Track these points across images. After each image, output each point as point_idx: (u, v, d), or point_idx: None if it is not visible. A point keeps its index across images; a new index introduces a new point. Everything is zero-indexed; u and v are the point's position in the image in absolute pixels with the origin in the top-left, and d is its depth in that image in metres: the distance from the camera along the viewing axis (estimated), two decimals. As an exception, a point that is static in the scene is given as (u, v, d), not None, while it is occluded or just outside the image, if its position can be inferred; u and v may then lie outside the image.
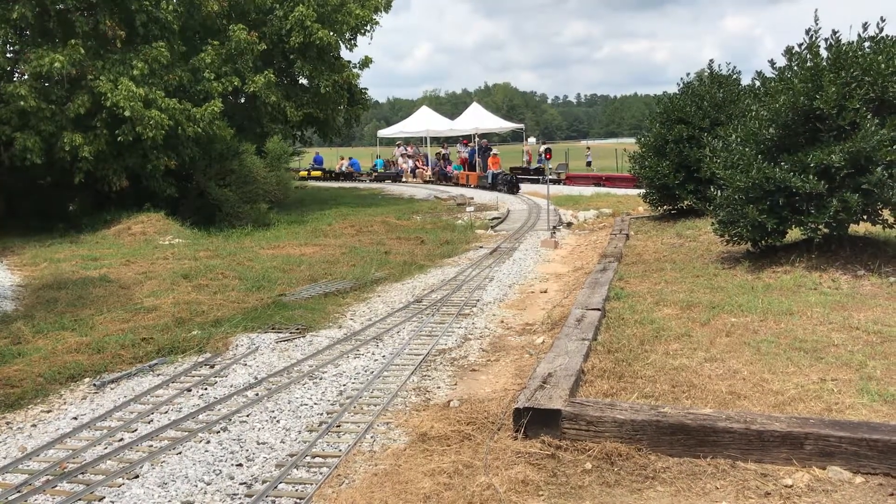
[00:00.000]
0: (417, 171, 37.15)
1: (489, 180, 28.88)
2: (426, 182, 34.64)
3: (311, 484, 4.63)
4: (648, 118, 17.56)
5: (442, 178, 34.21)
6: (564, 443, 4.85)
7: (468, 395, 6.16)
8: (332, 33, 23.70)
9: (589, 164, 38.36)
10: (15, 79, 17.90)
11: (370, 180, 37.16)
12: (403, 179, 36.49)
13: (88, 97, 16.94)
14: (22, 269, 12.80)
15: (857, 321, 7.36)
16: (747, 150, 10.09)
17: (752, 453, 4.55)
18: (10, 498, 4.54)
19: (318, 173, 39.27)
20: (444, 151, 38.30)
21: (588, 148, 41.06)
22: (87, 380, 6.92)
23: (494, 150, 32.81)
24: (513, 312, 9.20)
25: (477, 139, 36.66)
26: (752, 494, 4.25)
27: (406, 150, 39.97)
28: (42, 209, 19.17)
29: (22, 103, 16.07)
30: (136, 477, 4.83)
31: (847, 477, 4.33)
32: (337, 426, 5.60)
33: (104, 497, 4.56)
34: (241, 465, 4.99)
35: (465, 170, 34.97)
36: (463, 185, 31.07)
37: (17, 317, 9.14)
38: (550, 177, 24.24)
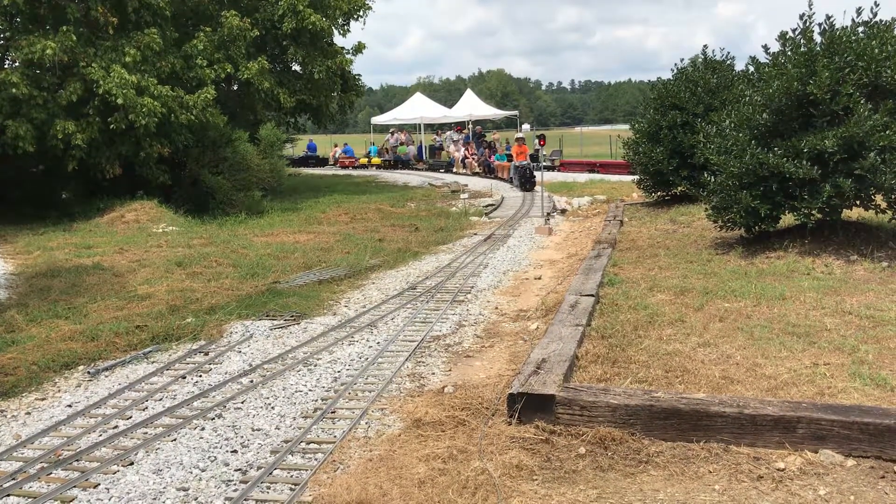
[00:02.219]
0: (467, 160, 31.47)
1: (511, 173, 24.94)
2: (474, 174, 29.81)
3: (306, 470, 4.64)
4: (642, 104, 17.54)
5: (486, 169, 29.17)
6: (558, 428, 4.87)
7: (463, 380, 6.17)
8: (324, 18, 23.54)
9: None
10: (6, 66, 17.78)
11: (425, 169, 34.18)
12: (454, 170, 31.75)
13: (80, 84, 16.84)
14: (15, 258, 12.75)
15: (849, 306, 7.39)
16: (741, 135, 10.09)
17: (745, 437, 4.57)
18: (5, 485, 4.54)
19: (377, 161, 36.54)
20: (493, 138, 33.17)
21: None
22: (81, 367, 6.91)
23: (519, 134, 27.37)
24: (507, 299, 9.22)
25: (471, 126, 36.57)
26: (745, 478, 4.28)
27: (400, 136, 39.84)
28: (34, 197, 19.09)
29: (14, 90, 15.98)
30: (131, 464, 4.84)
31: (839, 460, 4.36)
32: (332, 412, 5.61)
33: (99, 484, 4.57)
34: (235, 451, 5.00)
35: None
36: (500, 179, 26.83)
37: (11, 305, 9.12)
38: (545, 164, 24.17)
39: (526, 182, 23.40)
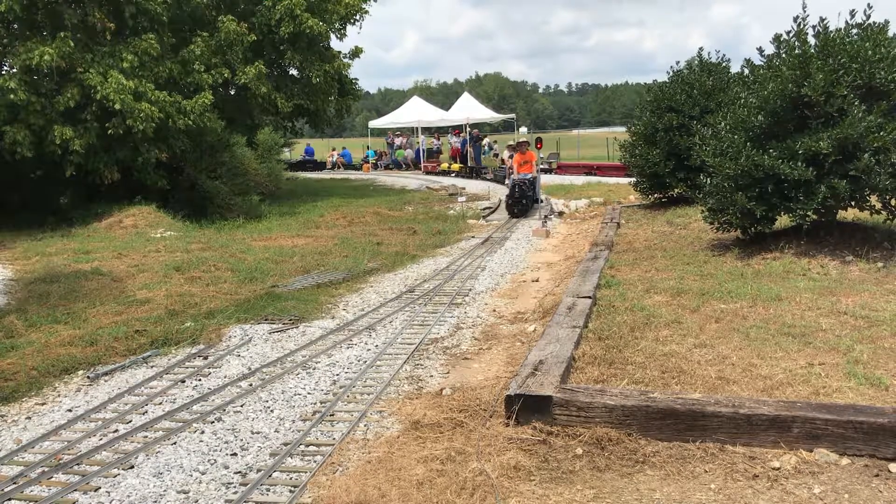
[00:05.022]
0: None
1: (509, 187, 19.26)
2: None
3: (306, 472, 4.68)
4: (639, 107, 17.59)
5: None
6: (555, 429, 4.90)
7: (460, 382, 6.21)
8: (321, 23, 23.58)
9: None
10: (3, 72, 17.82)
11: (492, 179, 30.22)
12: (507, 181, 28.50)
13: (78, 90, 16.87)
14: (13, 263, 12.77)
15: (844, 306, 7.43)
16: (736, 137, 10.13)
17: (741, 437, 4.61)
18: (6, 489, 4.57)
19: (457, 167, 33.47)
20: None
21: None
22: (80, 372, 6.94)
23: (523, 138, 23.54)
24: (505, 301, 9.25)
25: (468, 129, 36.63)
26: (741, 477, 4.31)
27: (400, 139, 39.90)
28: (33, 203, 19.10)
29: (12, 96, 15.99)
30: (132, 467, 4.87)
31: (833, 459, 4.40)
32: (330, 415, 5.65)
33: (100, 487, 4.59)
34: (235, 454, 5.03)
35: (457, 161, 34.86)
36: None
37: (10, 310, 9.14)
38: (542, 166, 24.13)
39: (515, 204, 17.89)
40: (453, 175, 32.78)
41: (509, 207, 18.09)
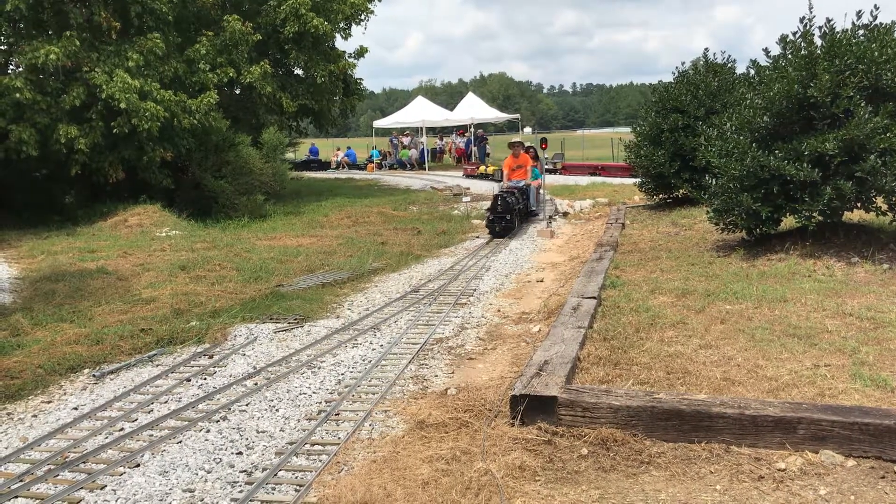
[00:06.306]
0: None
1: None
2: None
3: (311, 471, 4.68)
4: (644, 107, 17.58)
5: None
6: (561, 429, 4.90)
7: (465, 382, 6.21)
8: (326, 22, 23.60)
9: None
10: (10, 71, 17.87)
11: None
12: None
13: (84, 89, 16.92)
14: (19, 262, 12.81)
15: (850, 308, 7.41)
16: (742, 138, 10.12)
17: (746, 438, 4.60)
18: (12, 487, 4.58)
19: (492, 169, 30.60)
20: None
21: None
22: (86, 371, 6.96)
23: (517, 138, 22.04)
24: (509, 301, 9.25)
25: (473, 129, 36.63)
26: (746, 478, 4.31)
27: (407, 139, 39.91)
28: (37, 202, 19.15)
29: (17, 95, 16.06)
30: (137, 466, 4.88)
31: (839, 460, 4.39)
32: (336, 414, 5.65)
33: (105, 485, 4.60)
34: (241, 453, 5.04)
35: (463, 161, 34.82)
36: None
37: (16, 309, 9.17)
38: (547, 166, 24.10)
39: (497, 220, 14.37)
40: (489, 179, 31.24)
41: (490, 224, 14.50)
